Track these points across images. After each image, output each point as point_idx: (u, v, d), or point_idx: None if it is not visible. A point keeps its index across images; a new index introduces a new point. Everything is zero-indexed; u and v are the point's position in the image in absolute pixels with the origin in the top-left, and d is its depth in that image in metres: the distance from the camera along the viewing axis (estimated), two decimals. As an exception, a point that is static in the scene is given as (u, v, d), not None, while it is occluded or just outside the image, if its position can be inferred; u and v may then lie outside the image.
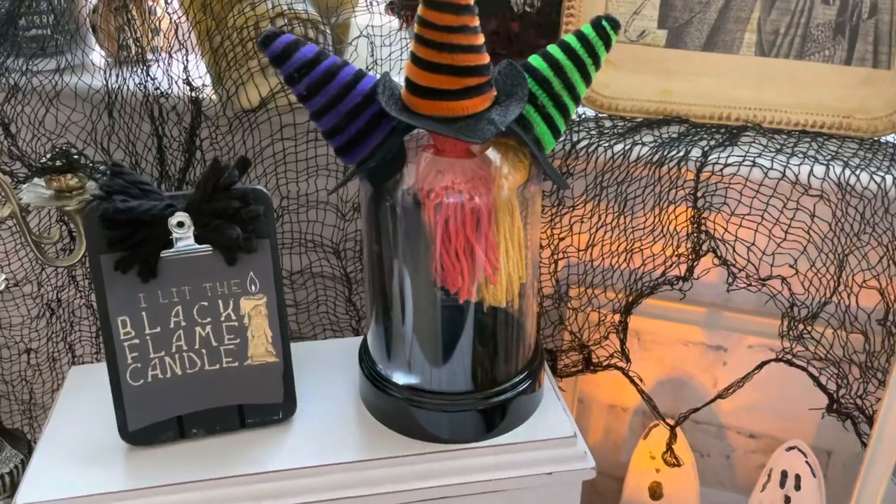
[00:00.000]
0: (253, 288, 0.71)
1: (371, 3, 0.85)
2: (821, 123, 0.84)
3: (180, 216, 0.67)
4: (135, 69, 0.86)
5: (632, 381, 0.90)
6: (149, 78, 0.86)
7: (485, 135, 0.62)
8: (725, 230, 0.80)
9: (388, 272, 0.73)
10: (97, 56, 1.04)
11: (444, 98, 0.63)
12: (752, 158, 0.77)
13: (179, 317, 0.70)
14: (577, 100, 0.69)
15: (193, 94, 0.84)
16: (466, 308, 0.72)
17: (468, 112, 0.64)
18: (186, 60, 0.84)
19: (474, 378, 0.73)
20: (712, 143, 0.81)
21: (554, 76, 0.67)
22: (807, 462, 0.95)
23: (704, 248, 0.83)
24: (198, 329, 0.71)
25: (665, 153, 0.79)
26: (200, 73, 0.85)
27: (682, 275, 0.85)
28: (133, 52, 0.85)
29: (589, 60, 0.68)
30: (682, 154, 0.79)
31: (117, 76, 0.86)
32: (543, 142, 0.68)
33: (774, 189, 0.76)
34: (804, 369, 0.84)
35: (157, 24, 0.97)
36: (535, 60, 0.68)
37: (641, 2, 0.87)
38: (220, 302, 0.71)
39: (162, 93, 0.86)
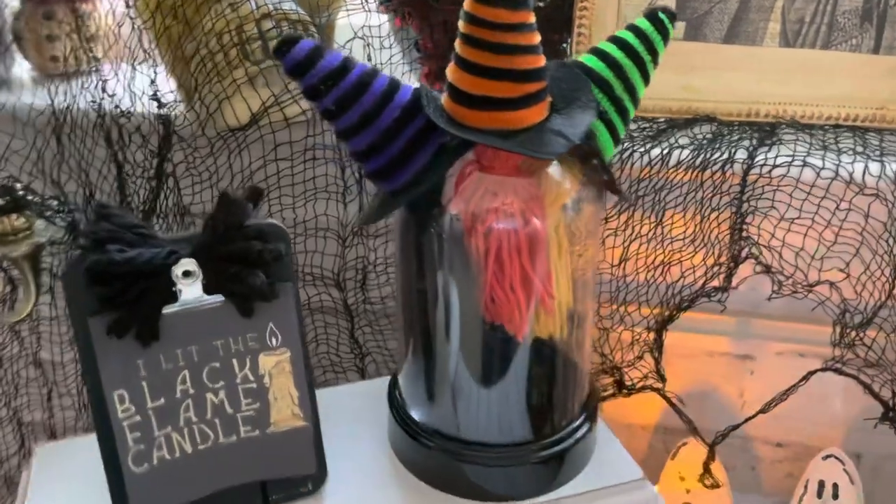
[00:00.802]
0: (273, 341, 0.59)
1: (365, 1, 0.75)
2: (854, 116, 0.79)
3: (187, 264, 0.54)
4: (86, 84, 0.73)
5: (670, 402, 0.83)
6: (104, 94, 0.72)
7: (556, 149, 0.53)
8: (773, 235, 0.74)
9: (428, 307, 0.63)
10: (23, 70, 0.89)
11: (502, 108, 0.54)
12: (801, 157, 0.71)
13: (187, 383, 0.58)
14: (636, 103, 0.61)
15: (163, 111, 0.71)
16: (519, 345, 0.63)
17: (528, 123, 0.55)
18: (155, 73, 0.71)
19: (533, 425, 0.64)
20: (753, 142, 0.74)
21: (614, 78, 0.59)
22: (844, 470, 0.90)
23: (744, 255, 0.77)
24: (209, 396, 0.58)
25: (708, 156, 0.72)
26: (168, 86, 0.72)
27: (721, 285, 0.79)
28: (83, 65, 0.72)
29: (648, 58, 0.60)
30: (726, 156, 0.72)
31: (65, 93, 0.72)
32: (605, 151, 0.60)
33: (827, 189, 0.71)
34: (855, 377, 0.79)
35: (97, 31, 0.83)
36: (590, 61, 0.60)
37: (658, -8, 0.80)
38: (234, 361, 0.59)
39: (122, 112, 0.72)
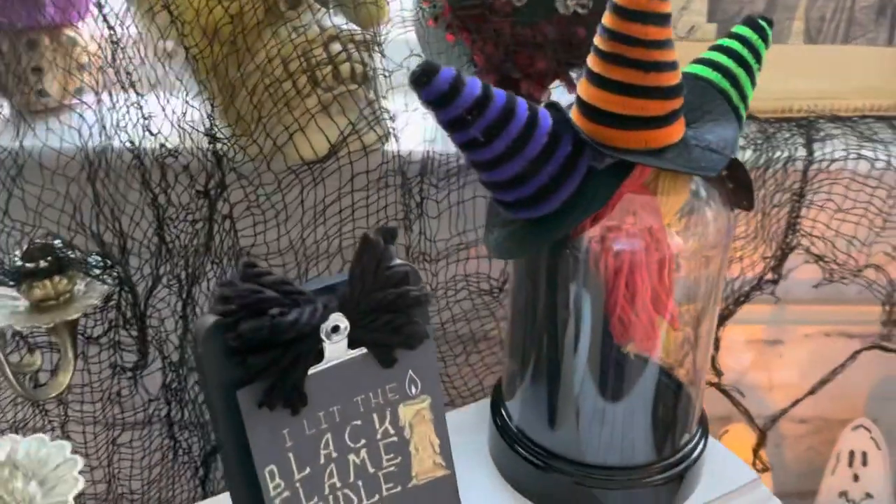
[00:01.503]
0: (413, 390, 0.55)
1: (420, 13, 0.71)
2: (878, 106, 0.83)
3: (337, 319, 0.49)
4: (122, 120, 0.65)
5: (728, 396, 0.85)
6: (146, 132, 0.65)
7: (716, 164, 0.52)
8: (827, 226, 0.77)
9: (553, 329, 0.60)
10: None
11: (652, 126, 0.52)
12: (855, 151, 0.74)
13: (329, 447, 0.52)
14: (747, 107, 0.61)
15: (218, 147, 0.65)
16: (647, 364, 0.62)
17: (673, 140, 0.53)
18: (212, 107, 0.64)
19: (656, 445, 0.63)
20: (802, 138, 0.76)
21: (731, 87, 0.58)
22: (871, 438, 0.96)
23: (792, 245, 0.79)
24: (351, 457, 0.53)
25: (770, 155, 0.73)
26: (221, 121, 0.65)
27: (774, 277, 0.81)
28: (121, 99, 0.64)
29: (756, 66, 0.60)
30: (787, 154, 0.74)
31: (100, 133, 0.64)
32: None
33: (880, 179, 0.74)
34: (897, 352, 0.84)
35: (90, 57, 0.74)
36: (702, 71, 0.59)
37: (689, -5, 0.81)
38: (375, 416, 0.54)
39: (169, 150, 0.65)
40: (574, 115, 0.54)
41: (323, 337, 0.49)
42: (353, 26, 0.65)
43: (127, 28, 0.64)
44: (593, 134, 0.52)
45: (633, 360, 0.60)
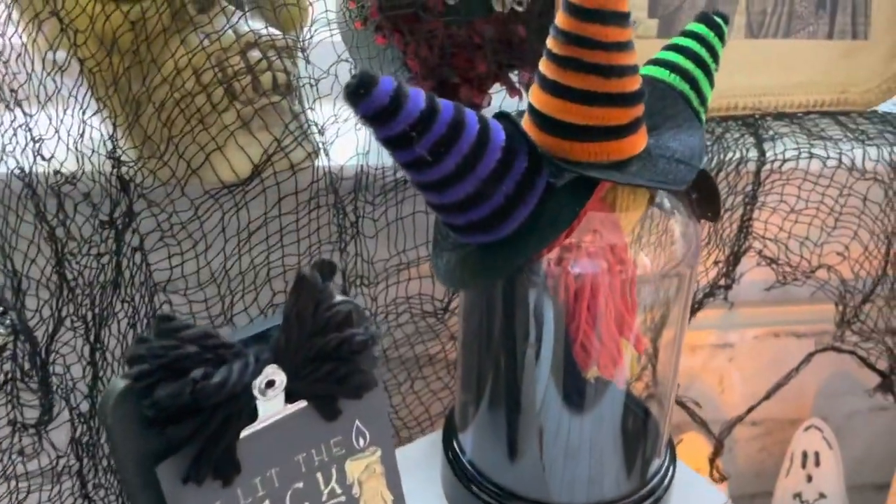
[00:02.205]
0: (361, 442, 0.48)
1: (345, 15, 0.64)
2: (821, 102, 0.80)
3: (271, 373, 0.42)
4: (9, 144, 0.56)
5: (685, 407, 0.82)
6: (38, 156, 0.56)
7: (685, 176, 0.47)
8: (780, 228, 0.74)
9: (509, 358, 0.55)
10: None
11: (614, 136, 0.47)
12: (807, 150, 0.71)
13: (269, 516, 0.46)
14: (706, 112, 0.57)
15: (124, 171, 0.57)
16: (613, 390, 0.57)
17: (637, 150, 0.49)
18: (114, 126, 0.56)
19: (627, 475, 0.58)
20: (751, 138, 0.73)
21: (690, 90, 0.54)
22: (823, 438, 0.94)
23: (745, 248, 0.76)
24: (295, 524, 0.47)
25: (722, 157, 0.70)
26: (125, 141, 0.57)
27: (726, 283, 0.78)
28: (5, 119, 0.55)
29: (714, 65, 0.56)
30: (738, 156, 0.70)
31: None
32: (683, 170, 0.55)
33: (831, 178, 0.71)
34: (853, 353, 0.82)
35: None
36: (659, 73, 0.54)
37: (629, -10, 0.76)
38: (319, 476, 0.47)
39: (66, 177, 0.56)
40: (526, 125, 0.48)
41: (256, 394, 0.42)
42: (273, 31, 0.58)
43: (9, 39, 0.55)
44: (549, 147, 0.47)
45: (597, 385, 0.55)
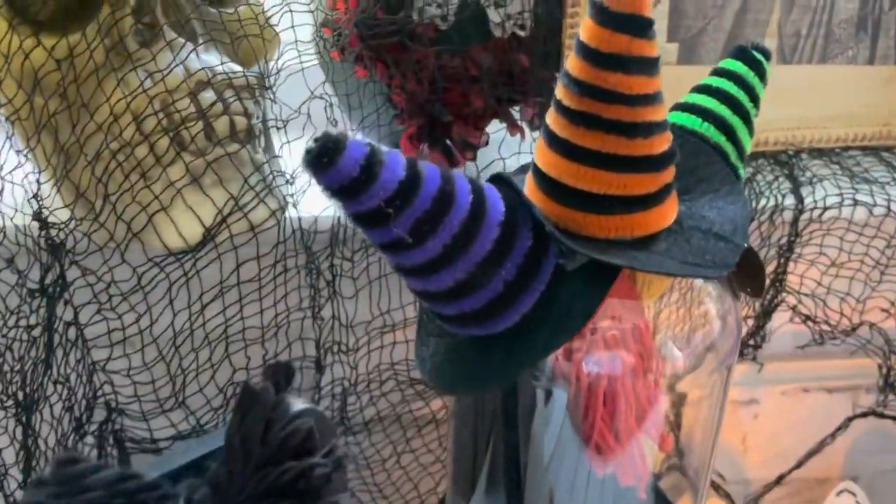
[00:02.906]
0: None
1: (320, 45, 0.55)
2: (861, 136, 0.72)
3: (209, 518, 0.34)
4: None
5: (713, 484, 0.73)
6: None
7: (726, 259, 0.39)
8: (818, 283, 0.66)
9: (510, 462, 0.46)
10: None
11: (639, 208, 0.38)
12: (850, 195, 0.62)
13: None
14: (745, 167, 0.48)
15: (53, 234, 0.48)
16: (626, 492, 0.49)
17: (667, 223, 0.40)
18: (38, 182, 0.47)
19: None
20: (785, 180, 0.65)
21: (727, 142, 0.45)
22: (857, 502, 0.86)
23: (776, 303, 0.68)
24: None
25: (755, 204, 0.61)
26: (57, 199, 0.49)
27: (755, 342, 0.69)
28: None
29: (754, 111, 0.47)
30: (773, 203, 0.62)
31: None
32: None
33: (878, 228, 0.63)
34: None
35: None
36: (690, 121, 0.46)
37: (646, 10, 0.68)
38: None
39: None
40: (530, 191, 0.40)
41: (189, 544, 0.33)
42: (231, 66, 0.49)
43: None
44: (559, 219, 0.39)
45: (623, 493, 0.47)
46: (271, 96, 0.51)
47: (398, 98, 0.57)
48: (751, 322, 0.67)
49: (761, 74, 0.47)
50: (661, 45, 0.69)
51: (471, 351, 0.40)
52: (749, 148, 0.46)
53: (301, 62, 0.53)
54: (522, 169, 0.44)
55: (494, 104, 0.60)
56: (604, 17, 0.35)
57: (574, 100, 0.37)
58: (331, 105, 0.55)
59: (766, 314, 0.67)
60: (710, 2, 0.68)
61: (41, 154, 0.47)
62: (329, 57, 0.55)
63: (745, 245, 0.39)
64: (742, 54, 0.47)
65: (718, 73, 0.47)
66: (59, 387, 0.51)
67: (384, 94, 0.58)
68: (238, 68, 0.49)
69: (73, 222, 0.48)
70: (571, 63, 0.37)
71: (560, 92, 0.38)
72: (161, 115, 0.46)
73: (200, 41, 0.49)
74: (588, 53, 0.36)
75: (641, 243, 0.38)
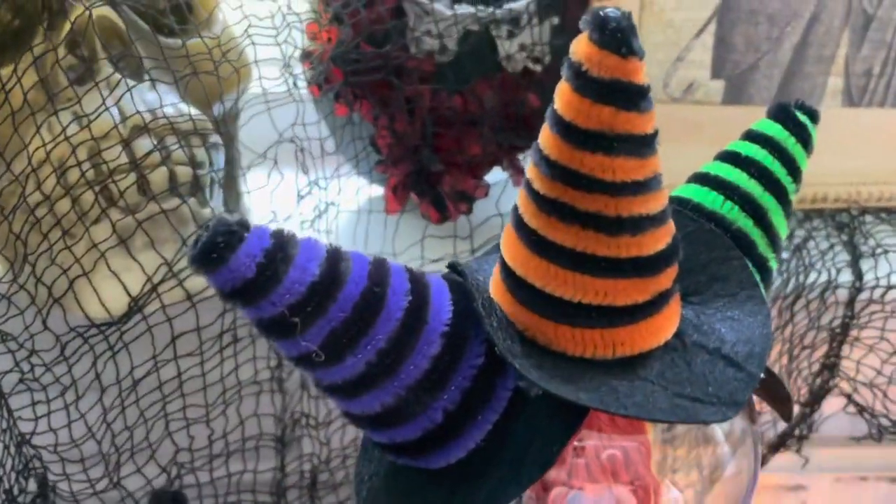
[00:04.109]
0: None
1: (290, 76, 0.49)
2: (941, 194, 0.62)
3: None
4: None
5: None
6: None
7: (736, 396, 0.31)
8: (879, 372, 0.56)
9: None
10: None
11: (623, 321, 0.30)
12: (921, 272, 0.53)
13: None
14: (778, 258, 0.39)
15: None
16: None
17: (662, 339, 0.32)
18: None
19: None
20: (842, 248, 0.55)
21: (755, 227, 0.37)
22: None
23: (827, 389, 0.59)
24: None
25: (803, 280, 0.52)
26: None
27: (801, 432, 0.60)
28: None
29: (792, 187, 0.38)
30: (826, 278, 0.53)
31: None
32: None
33: (955, 311, 0.53)
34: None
35: None
36: (707, 199, 0.37)
37: (686, 42, 0.59)
38: None
39: None
40: (495, 282, 0.32)
41: None
42: (181, 107, 0.43)
43: None
44: (527, 327, 0.31)
45: None
46: (219, 142, 0.44)
47: (382, 142, 0.51)
48: (796, 409, 0.58)
49: (805, 141, 0.38)
50: (703, 83, 0.60)
51: (411, 482, 0.33)
52: (785, 234, 0.38)
53: (267, 101, 0.47)
54: (498, 248, 0.37)
55: (496, 150, 0.52)
56: (582, 82, 0.28)
57: (545, 183, 0.29)
58: (302, 150, 0.48)
59: (815, 401, 0.58)
60: (763, 33, 0.59)
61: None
62: (299, 95, 0.48)
63: (760, 377, 0.30)
64: (783, 114, 0.38)
65: (751, 136, 0.38)
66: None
67: (365, 139, 0.51)
68: (187, 110, 0.43)
69: (-7, 282, 0.42)
70: (544, 137, 0.29)
71: (530, 171, 0.30)
72: (81, 166, 0.40)
73: (147, 77, 0.43)
74: (562, 127, 0.28)
75: (627, 365, 0.31)
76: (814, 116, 0.38)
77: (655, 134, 0.29)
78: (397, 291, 0.29)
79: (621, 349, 0.30)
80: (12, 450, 0.47)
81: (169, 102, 0.43)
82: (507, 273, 0.31)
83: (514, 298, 0.31)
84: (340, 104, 0.50)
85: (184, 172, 0.42)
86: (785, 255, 0.54)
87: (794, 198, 0.38)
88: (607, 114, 0.28)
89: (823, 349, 0.54)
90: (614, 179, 0.28)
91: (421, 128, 0.51)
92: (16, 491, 0.49)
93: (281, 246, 0.27)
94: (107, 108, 0.40)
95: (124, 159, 0.41)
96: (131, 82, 0.42)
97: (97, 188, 0.40)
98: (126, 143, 0.41)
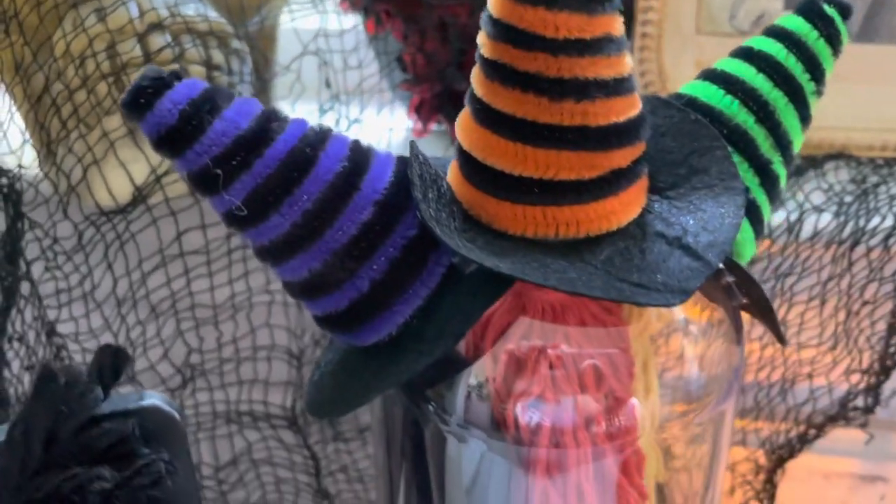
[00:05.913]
0: None
1: (319, -2, 0.49)
2: None
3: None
4: None
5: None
6: None
7: (687, 283, 0.28)
8: (956, 338, 0.50)
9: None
10: None
11: (567, 199, 0.28)
12: None
13: None
14: (790, 161, 0.36)
15: (6, 180, 0.46)
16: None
17: (616, 224, 0.30)
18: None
19: None
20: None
21: (756, 124, 0.34)
22: None
23: (898, 357, 0.52)
24: None
25: (863, 224, 0.47)
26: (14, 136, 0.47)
27: (866, 403, 0.54)
28: None
29: (811, 87, 0.35)
30: (890, 223, 0.47)
31: None
32: (740, 253, 0.35)
33: None
34: None
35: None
36: (708, 94, 0.34)
37: (757, -32, 0.55)
38: None
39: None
40: (451, 169, 0.31)
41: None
42: (209, 11, 0.44)
43: None
44: (471, 205, 0.30)
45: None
46: (241, 48, 0.45)
47: (409, 58, 0.50)
48: (855, 377, 0.52)
49: (830, 38, 0.34)
50: (776, 13, 0.55)
51: (353, 363, 0.32)
52: (799, 137, 0.34)
53: (292, 13, 0.47)
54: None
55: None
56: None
57: (488, 45, 0.28)
58: (325, 63, 0.48)
59: (882, 370, 0.52)
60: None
61: (20, 91, 0.44)
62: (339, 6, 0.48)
63: (717, 266, 0.27)
64: (808, 7, 0.34)
65: (770, 31, 0.35)
66: (15, 344, 0.49)
67: (391, 55, 0.50)
68: (200, 10, 0.44)
69: (20, 169, 0.45)
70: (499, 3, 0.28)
71: (479, 37, 0.29)
72: (96, 58, 0.41)
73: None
74: (501, -23, 0.27)
75: (572, 248, 0.28)
76: (845, 11, 0.34)
77: (611, -10, 0.26)
78: (331, 156, 0.28)
79: (565, 230, 0.28)
80: (43, 338, 0.49)
81: (191, 6, 0.44)
82: (457, 149, 0.30)
83: (462, 174, 0.30)
84: (370, 21, 0.50)
85: (197, 71, 0.43)
86: (848, 198, 0.48)
87: (813, 99, 0.34)
88: (547, -40, 0.26)
89: (888, 306, 0.49)
90: (556, 36, 0.26)
91: (450, 48, 0.50)
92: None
93: (209, 98, 0.27)
94: (124, 3, 0.42)
95: (138, 53, 0.42)
96: (155, -18, 0.43)
97: (110, 80, 0.42)
98: (141, 38, 0.42)
